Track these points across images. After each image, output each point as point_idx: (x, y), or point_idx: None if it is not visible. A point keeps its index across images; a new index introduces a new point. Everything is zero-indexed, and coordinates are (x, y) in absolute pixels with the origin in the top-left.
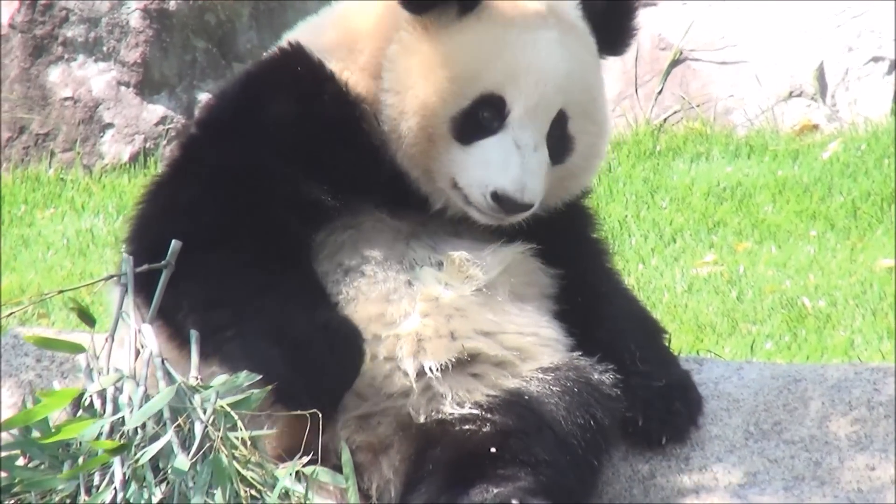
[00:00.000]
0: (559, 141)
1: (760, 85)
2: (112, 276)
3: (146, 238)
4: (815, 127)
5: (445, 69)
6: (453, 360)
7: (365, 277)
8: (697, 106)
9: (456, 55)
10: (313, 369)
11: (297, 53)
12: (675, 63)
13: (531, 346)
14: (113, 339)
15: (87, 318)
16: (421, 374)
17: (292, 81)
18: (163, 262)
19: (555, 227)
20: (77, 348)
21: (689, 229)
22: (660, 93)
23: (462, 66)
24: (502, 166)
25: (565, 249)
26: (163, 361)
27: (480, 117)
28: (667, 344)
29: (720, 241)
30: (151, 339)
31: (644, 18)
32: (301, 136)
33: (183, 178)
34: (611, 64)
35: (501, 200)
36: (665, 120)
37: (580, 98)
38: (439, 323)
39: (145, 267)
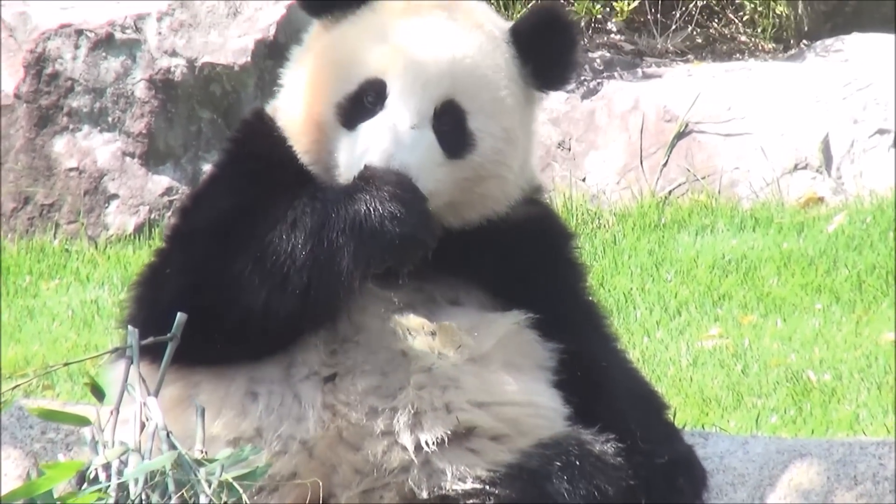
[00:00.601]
0: (454, 133)
1: (766, 157)
2: (117, 349)
3: (149, 308)
4: (821, 199)
5: (332, 57)
6: (450, 433)
7: (360, 348)
8: (703, 178)
9: (343, 44)
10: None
11: (256, 117)
12: (681, 135)
13: (528, 417)
14: (118, 412)
15: (98, 392)
16: (419, 448)
17: (247, 145)
18: (168, 335)
19: (535, 280)
20: (82, 421)
21: (694, 302)
22: (665, 165)
23: (348, 53)
24: (374, 142)
25: (559, 310)
26: (168, 434)
27: (365, 102)
28: (670, 418)
29: (725, 313)
30: (157, 412)
31: (649, 90)
32: (261, 192)
33: (176, 246)
34: (615, 135)
35: None
36: (670, 192)
37: (476, 92)
38: (434, 395)
39: (150, 340)
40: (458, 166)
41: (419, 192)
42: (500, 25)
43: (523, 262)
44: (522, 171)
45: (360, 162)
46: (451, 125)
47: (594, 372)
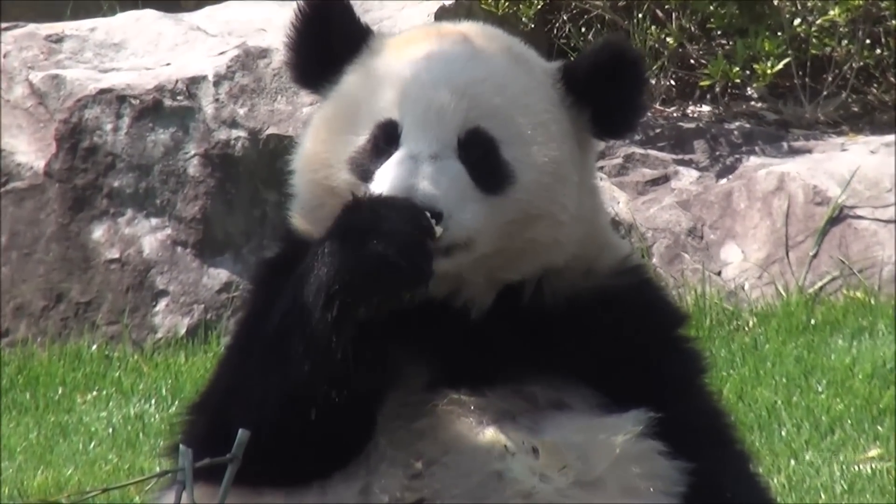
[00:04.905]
0: (486, 165)
1: None
2: (166, 473)
3: (205, 425)
4: None
5: (335, 114)
6: None
7: (449, 470)
8: (860, 272)
9: (345, 97)
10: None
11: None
12: (834, 221)
13: None
14: None
15: None
16: None
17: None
18: (228, 456)
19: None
20: None
21: (850, 418)
22: (815, 256)
23: (352, 102)
24: (385, 180)
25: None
26: None
27: (379, 147)
28: None
29: (887, 431)
30: None
31: (796, 167)
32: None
33: (233, 355)
34: (756, 221)
35: None
36: (821, 288)
37: (507, 117)
38: None
39: (206, 462)
40: (499, 205)
41: (408, 204)
42: (542, 63)
43: (625, 346)
44: (588, 223)
45: None
46: (480, 156)
47: (719, 499)
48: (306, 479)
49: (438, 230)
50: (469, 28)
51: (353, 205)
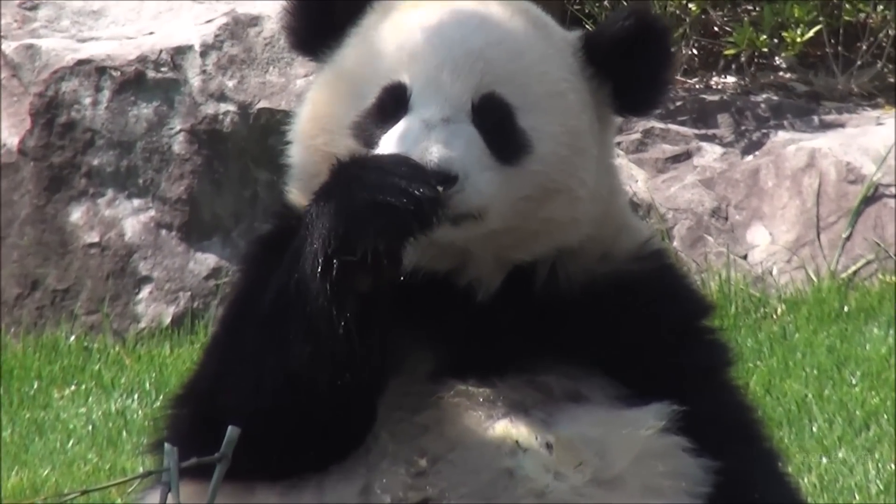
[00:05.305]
0: (501, 132)
1: None
2: (150, 473)
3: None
4: None
5: (338, 78)
6: None
7: (456, 468)
8: None
9: (348, 60)
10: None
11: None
12: (868, 200)
13: None
14: None
15: None
16: None
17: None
18: (216, 455)
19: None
20: None
21: (887, 412)
22: (848, 238)
23: (356, 66)
24: (395, 144)
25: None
26: None
27: (386, 111)
28: None
29: None
30: None
31: (828, 143)
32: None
33: (219, 343)
34: (785, 202)
35: None
36: (855, 273)
37: (525, 83)
38: None
39: (193, 461)
40: (514, 176)
41: (403, 158)
42: (561, 31)
43: (644, 336)
44: (604, 202)
45: None
46: (495, 123)
47: (746, 501)
48: (302, 472)
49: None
50: None
51: (339, 165)
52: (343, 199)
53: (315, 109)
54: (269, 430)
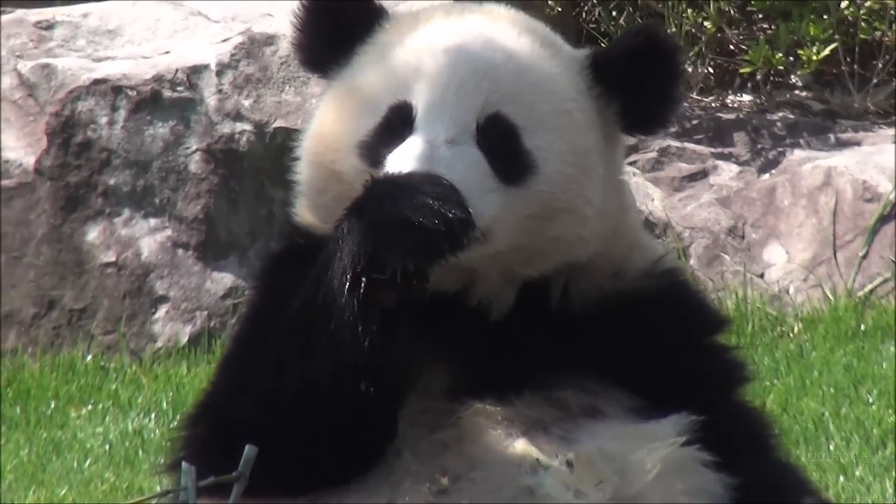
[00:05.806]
0: (505, 153)
1: None
2: (168, 492)
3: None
4: None
5: (346, 95)
6: None
7: (476, 486)
8: None
9: (356, 78)
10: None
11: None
12: (885, 218)
13: None
14: None
15: None
16: None
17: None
18: (234, 474)
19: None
20: None
21: None
22: (864, 256)
23: (362, 85)
24: (398, 164)
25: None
26: None
27: (392, 130)
28: None
29: None
30: None
31: (844, 161)
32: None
33: (233, 359)
34: (802, 221)
35: None
36: (871, 291)
37: (530, 103)
38: None
39: (211, 480)
40: (519, 196)
41: (433, 176)
42: (568, 49)
43: (657, 353)
44: (612, 220)
45: None
46: (500, 144)
47: None
48: (321, 488)
49: None
50: (491, 9)
51: (372, 183)
52: (374, 217)
53: (322, 127)
54: (288, 443)
